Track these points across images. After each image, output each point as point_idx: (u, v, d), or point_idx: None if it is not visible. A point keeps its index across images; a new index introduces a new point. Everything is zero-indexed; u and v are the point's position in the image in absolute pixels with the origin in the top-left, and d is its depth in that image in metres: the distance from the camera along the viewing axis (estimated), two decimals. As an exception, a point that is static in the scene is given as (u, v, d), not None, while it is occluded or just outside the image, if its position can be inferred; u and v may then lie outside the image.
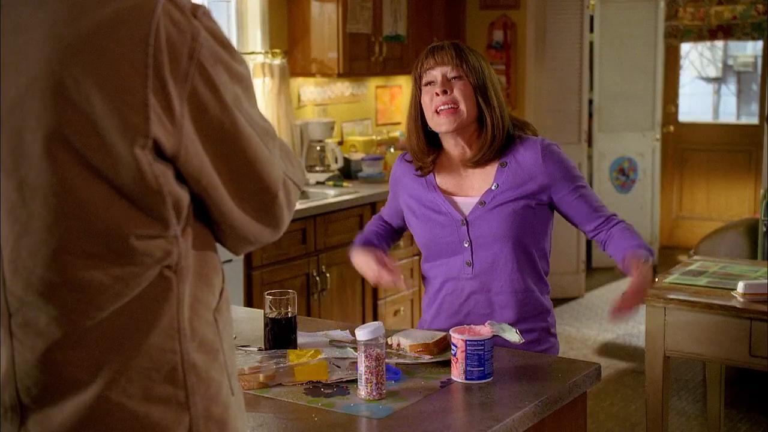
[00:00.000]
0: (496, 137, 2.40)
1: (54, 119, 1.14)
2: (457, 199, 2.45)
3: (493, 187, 2.42)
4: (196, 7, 1.21)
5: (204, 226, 1.28)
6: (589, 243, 7.41)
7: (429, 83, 2.39)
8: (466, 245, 2.42)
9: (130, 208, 1.17)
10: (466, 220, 2.42)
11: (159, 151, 1.16)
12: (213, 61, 1.20)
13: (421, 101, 2.42)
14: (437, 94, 2.37)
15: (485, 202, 2.41)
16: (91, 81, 1.13)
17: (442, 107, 2.37)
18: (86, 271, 1.17)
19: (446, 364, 2.15)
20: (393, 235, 2.69)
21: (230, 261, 4.09)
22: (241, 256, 4.18)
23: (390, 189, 2.65)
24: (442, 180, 2.49)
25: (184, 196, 1.21)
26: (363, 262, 2.50)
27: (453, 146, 2.45)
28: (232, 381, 1.32)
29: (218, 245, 1.34)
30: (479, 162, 2.43)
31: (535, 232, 2.43)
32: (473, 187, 2.46)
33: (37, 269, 1.17)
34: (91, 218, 1.16)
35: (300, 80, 5.35)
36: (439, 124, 2.39)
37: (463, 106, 2.36)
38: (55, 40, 1.14)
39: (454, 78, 2.37)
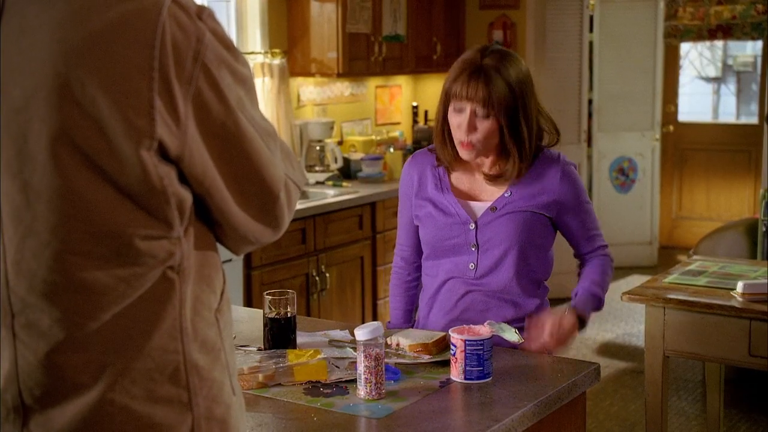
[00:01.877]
0: (521, 171, 2.40)
1: (59, 121, 1.14)
2: (469, 202, 2.46)
3: (506, 194, 2.43)
4: (201, 8, 1.22)
5: (205, 227, 1.29)
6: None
7: (458, 110, 2.38)
8: (473, 249, 2.43)
9: (135, 210, 1.17)
10: (476, 224, 2.43)
11: (163, 153, 1.17)
12: (217, 63, 1.20)
13: (448, 118, 2.41)
14: (462, 130, 2.36)
15: (496, 208, 2.42)
16: (96, 83, 1.13)
17: (464, 142, 2.37)
18: (90, 272, 1.17)
19: (445, 363, 2.16)
20: (419, 281, 2.63)
21: (230, 261, 4.10)
22: (241, 256, 4.19)
23: (403, 201, 2.58)
24: (457, 181, 2.49)
25: (187, 197, 1.22)
26: None
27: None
28: (233, 381, 1.32)
29: (218, 245, 1.34)
30: (497, 182, 2.44)
31: (541, 242, 2.45)
32: (486, 191, 2.46)
33: (40, 271, 1.17)
34: (95, 219, 1.16)
35: (299, 80, 5.35)
36: (461, 153, 2.41)
37: (481, 146, 2.37)
38: (61, 43, 1.14)
39: (483, 116, 2.35)
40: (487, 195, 2.46)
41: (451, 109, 2.40)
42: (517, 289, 2.42)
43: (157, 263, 1.20)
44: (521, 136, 2.37)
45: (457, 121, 2.38)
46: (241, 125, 1.24)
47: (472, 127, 2.36)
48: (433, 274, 2.51)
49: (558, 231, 2.51)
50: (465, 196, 2.47)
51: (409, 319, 2.64)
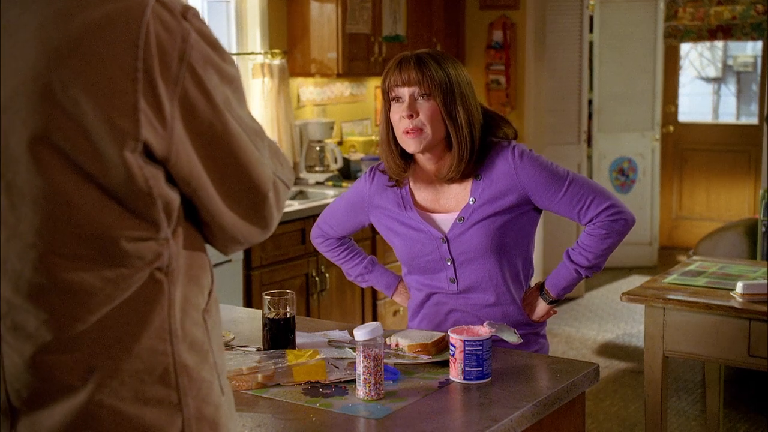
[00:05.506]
0: (463, 156, 2.32)
1: (41, 123, 1.13)
2: (435, 216, 2.40)
3: (470, 202, 2.36)
4: (186, 8, 1.21)
5: (193, 227, 1.28)
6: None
7: (396, 99, 2.33)
8: (449, 263, 2.39)
9: (121, 211, 1.17)
10: (446, 237, 2.38)
11: (149, 154, 1.16)
12: (203, 63, 1.19)
13: (390, 118, 2.36)
14: (404, 117, 2.31)
15: (464, 218, 2.36)
16: (79, 85, 1.12)
17: (408, 130, 2.31)
18: (76, 273, 1.16)
19: (445, 364, 2.15)
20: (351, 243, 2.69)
21: (229, 261, 4.10)
22: (241, 257, 4.20)
23: (352, 205, 2.55)
24: (419, 196, 2.43)
25: (175, 198, 1.21)
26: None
27: (426, 162, 2.39)
28: (222, 381, 1.32)
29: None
30: (452, 179, 2.37)
31: (518, 242, 2.39)
32: (451, 201, 2.40)
33: (26, 272, 1.16)
34: (80, 221, 1.15)
35: (299, 80, 5.35)
36: (407, 145, 2.33)
37: (428, 130, 2.30)
38: (43, 43, 1.14)
39: (422, 97, 2.30)
40: (453, 205, 2.39)
41: (392, 105, 2.35)
42: (506, 297, 2.40)
43: (144, 264, 1.19)
44: (459, 121, 2.31)
45: (398, 113, 2.32)
46: (229, 125, 1.23)
47: (413, 110, 2.30)
48: (417, 288, 2.49)
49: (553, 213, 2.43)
50: (429, 210, 2.42)
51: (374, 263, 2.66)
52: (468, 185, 2.38)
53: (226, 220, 1.28)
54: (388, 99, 2.36)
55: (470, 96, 2.35)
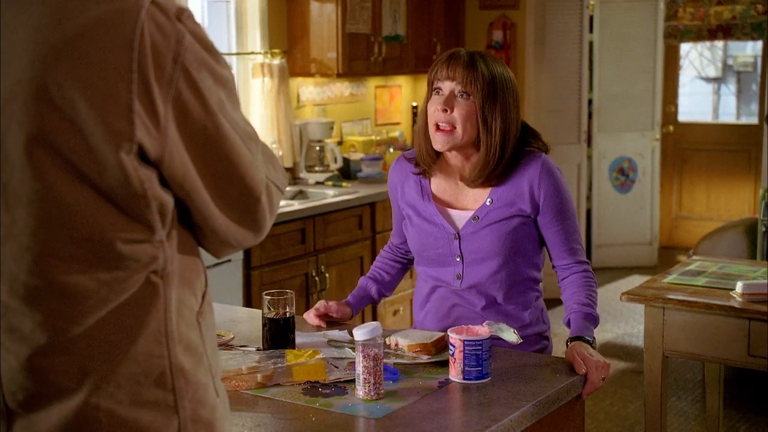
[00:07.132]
0: (489, 162, 2.34)
1: (36, 123, 1.13)
2: (451, 211, 2.42)
3: (487, 202, 2.38)
4: (181, 10, 1.21)
5: (186, 230, 1.28)
6: (589, 243, 7.41)
7: (437, 91, 2.36)
8: (458, 259, 2.40)
9: (116, 213, 1.17)
10: (458, 234, 2.39)
11: (143, 156, 1.16)
12: (197, 65, 1.20)
13: (428, 107, 2.38)
14: (438, 110, 2.34)
15: (479, 217, 2.38)
16: (74, 86, 1.12)
17: (440, 124, 2.34)
18: (71, 276, 1.16)
19: (444, 364, 2.16)
20: (401, 266, 2.66)
21: (229, 261, 4.10)
22: (241, 257, 4.20)
23: (391, 199, 2.60)
24: (439, 190, 2.46)
25: (169, 201, 1.21)
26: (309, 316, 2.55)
27: (452, 158, 2.42)
28: (216, 383, 1.32)
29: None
30: (474, 183, 2.39)
31: (528, 249, 2.40)
32: (469, 200, 2.42)
33: (21, 275, 1.16)
34: (76, 223, 1.15)
35: (299, 80, 5.35)
36: (435, 140, 2.36)
37: (459, 129, 2.32)
38: (39, 44, 1.14)
39: (461, 95, 2.32)
40: (470, 203, 2.41)
41: (432, 96, 2.37)
42: (509, 299, 2.40)
43: (140, 267, 1.19)
44: (492, 128, 2.32)
45: (435, 104, 2.35)
46: (222, 128, 1.23)
47: (449, 105, 2.32)
48: (423, 279, 2.51)
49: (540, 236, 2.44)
50: (447, 205, 2.44)
51: (362, 293, 2.62)
52: (489, 187, 2.40)
53: (218, 223, 1.28)
54: (430, 89, 2.39)
55: (512, 107, 2.36)
